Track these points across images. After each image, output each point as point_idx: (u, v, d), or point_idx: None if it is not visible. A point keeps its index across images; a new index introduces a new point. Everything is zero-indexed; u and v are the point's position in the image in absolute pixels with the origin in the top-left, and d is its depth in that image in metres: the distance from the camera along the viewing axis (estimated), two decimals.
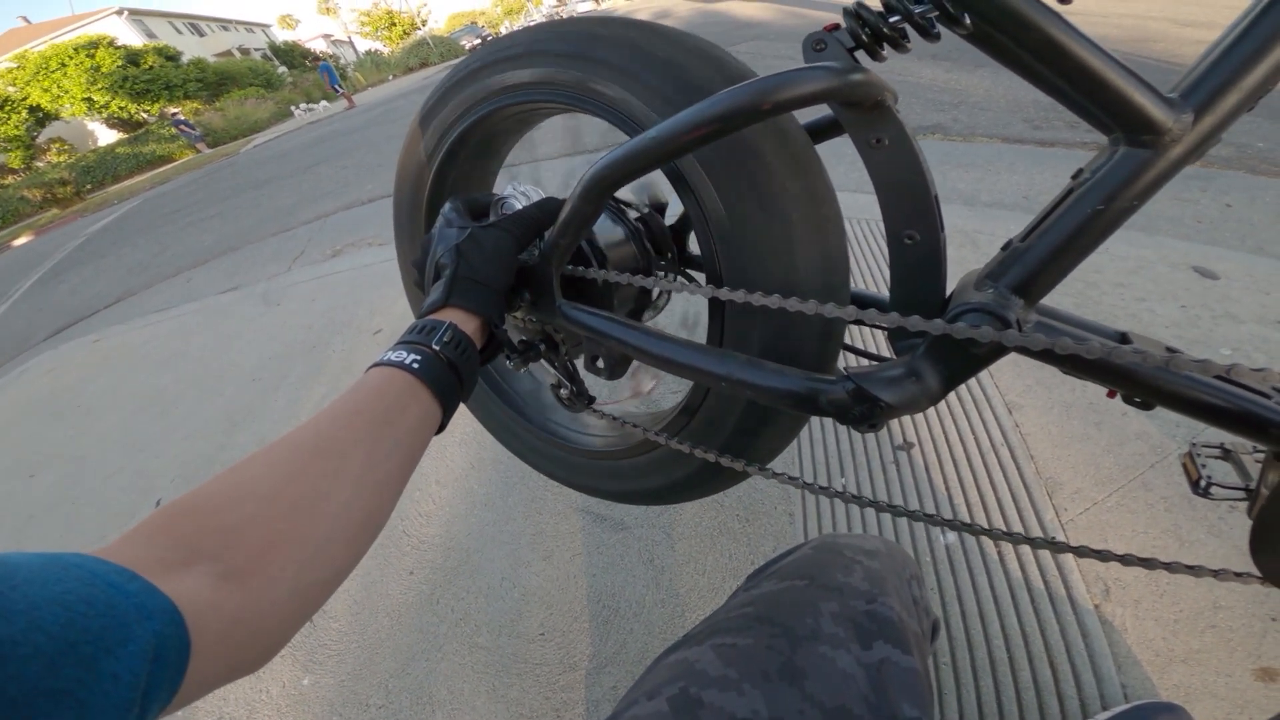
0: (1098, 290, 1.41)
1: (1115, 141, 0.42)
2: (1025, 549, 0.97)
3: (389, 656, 1.12)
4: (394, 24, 52.06)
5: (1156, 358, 0.38)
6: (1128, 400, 0.48)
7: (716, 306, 0.60)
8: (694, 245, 0.69)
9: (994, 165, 2.28)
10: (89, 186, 21.07)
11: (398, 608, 1.20)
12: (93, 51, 24.68)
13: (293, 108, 24.45)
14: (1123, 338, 0.47)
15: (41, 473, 2.14)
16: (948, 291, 0.48)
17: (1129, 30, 3.47)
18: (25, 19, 33.60)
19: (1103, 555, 0.46)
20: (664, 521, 1.18)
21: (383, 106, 13.54)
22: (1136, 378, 0.45)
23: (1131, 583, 0.91)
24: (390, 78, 31.18)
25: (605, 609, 1.07)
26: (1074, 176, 0.44)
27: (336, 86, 20.63)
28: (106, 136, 27.81)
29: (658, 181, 0.71)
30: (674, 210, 0.69)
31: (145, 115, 26.22)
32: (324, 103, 23.58)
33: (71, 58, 24.30)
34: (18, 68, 24.02)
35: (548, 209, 0.61)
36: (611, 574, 1.12)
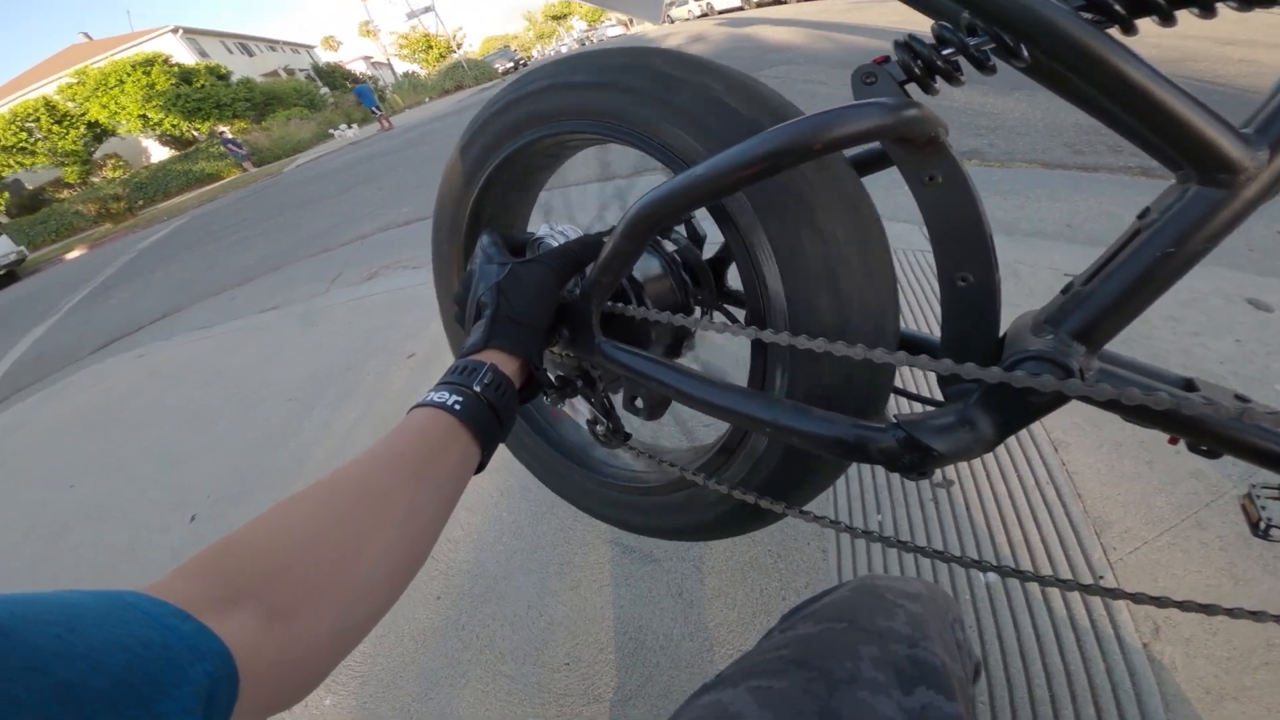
0: (1148, 325, 1.36)
1: (1185, 179, 0.40)
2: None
3: (412, 680, 1.11)
4: (430, 47, 53.60)
5: (1229, 409, 0.36)
6: (1193, 449, 0.46)
7: (759, 345, 0.59)
8: (734, 279, 0.68)
9: (1034, 192, 2.21)
10: (141, 202, 21.94)
11: (423, 632, 1.19)
12: (149, 69, 25.49)
13: (331, 130, 25.23)
14: (1188, 384, 0.45)
15: (81, 483, 2.20)
16: (1001, 332, 0.47)
17: (1166, 50, 3.38)
18: (87, 35, 34.73)
19: (1160, 602, 0.43)
20: (694, 555, 1.16)
21: (418, 129, 13.87)
22: (1204, 428, 0.43)
23: (1182, 621, 0.87)
24: (427, 99, 32.03)
25: (632, 641, 1.05)
26: (1140, 216, 0.42)
27: (375, 109, 21.21)
28: (159, 154, 28.90)
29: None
30: (712, 239, 0.68)
31: (195, 133, 27.13)
32: (354, 127, 24.34)
33: (129, 75, 25.09)
34: (78, 83, 24.81)
35: (589, 244, 0.61)
36: (639, 606, 1.10)
